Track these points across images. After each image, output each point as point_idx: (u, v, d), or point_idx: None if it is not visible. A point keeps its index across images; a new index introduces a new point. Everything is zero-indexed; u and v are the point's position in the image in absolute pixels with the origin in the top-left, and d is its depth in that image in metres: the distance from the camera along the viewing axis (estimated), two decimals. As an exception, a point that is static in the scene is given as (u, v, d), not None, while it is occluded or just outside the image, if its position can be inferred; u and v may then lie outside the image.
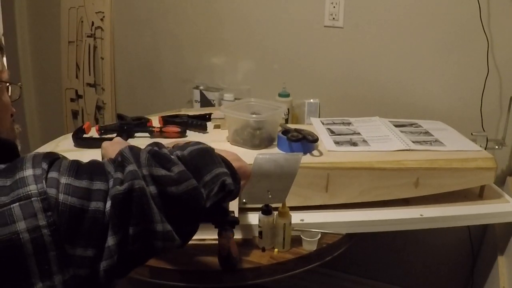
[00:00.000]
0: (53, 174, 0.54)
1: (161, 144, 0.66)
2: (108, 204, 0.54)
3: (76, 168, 0.56)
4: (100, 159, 0.71)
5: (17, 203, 0.50)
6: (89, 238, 0.53)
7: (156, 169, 0.58)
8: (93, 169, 0.57)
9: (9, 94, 0.73)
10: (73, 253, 0.52)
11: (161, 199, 0.57)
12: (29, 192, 0.51)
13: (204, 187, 0.62)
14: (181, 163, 0.61)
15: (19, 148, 0.70)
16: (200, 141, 0.68)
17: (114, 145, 0.75)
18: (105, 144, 0.78)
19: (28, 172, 0.53)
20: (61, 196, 0.52)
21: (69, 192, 0.53)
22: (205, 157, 0.64)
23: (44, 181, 0.52)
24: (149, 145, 0.65)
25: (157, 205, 0.57)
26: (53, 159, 0.57)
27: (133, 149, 0.62)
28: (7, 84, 0.73)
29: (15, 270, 0.49)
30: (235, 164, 0.69)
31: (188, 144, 0.67)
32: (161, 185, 0.58)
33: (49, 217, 0.50)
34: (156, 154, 0.61)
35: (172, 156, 0.62)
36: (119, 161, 0.59)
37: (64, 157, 0.59)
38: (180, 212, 0.59)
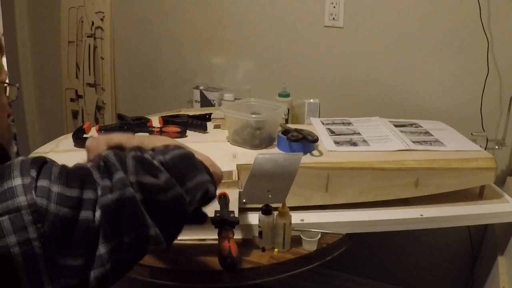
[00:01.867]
0: (43, 183, 0.53)
1: (142, 148, 0.65)
2: (98, 213, 0.54)
3: (66, 175, 0.55)
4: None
5: (7, 216, 0.49)
6: (79, 247, 0.52)
7: (145, 176, 0.58)
8: (82, 176, 0.57)
9: (7, 94, 0.74)
10: (63, 263, 0.51)
11: (148, 205, 0.58)
12: (19, 205, 0.50)
13: (187, 193, 0.62)
14: (164, 170, 0.61)
15: (16, 149, 0.69)
16: (179, 144, 0.68)
17: (100, 146, 0.73)
18: (89, 144, 0.75)
19: (17, 181, 0.51)
20: (53, 207, 0.51)
21: (61, 203, 0.52)
22: (187, 163, 0.65)
23: (33, 191, 0.51)
24: (131, 149, 0.64)
25: (146, 211, 0.57)
26: (41, 164, 0.55)
27: (118, 154, 0.61)
28: (5, 85, 0.73)
29: (6, 283, 0.48)
30: (211, 169, 0.69)
31: (168, 147, 0.66)
32: (149, 192, 0.58)
33: (39, 229, 0.50)
34: (141, 161, 0.61)
35: (155, 162, 0.62)
36: (104, 167, 0.59)
37: (52, 161, 0.58)
38: (166, 217, 0.60)
